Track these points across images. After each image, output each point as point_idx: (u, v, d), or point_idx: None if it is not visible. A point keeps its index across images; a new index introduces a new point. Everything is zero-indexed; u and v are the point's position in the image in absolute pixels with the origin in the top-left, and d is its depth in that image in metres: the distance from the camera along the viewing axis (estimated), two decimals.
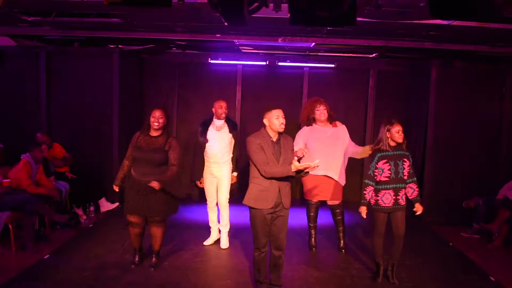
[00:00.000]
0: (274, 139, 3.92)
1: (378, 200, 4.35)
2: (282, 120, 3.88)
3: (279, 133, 3.94)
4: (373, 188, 4.36)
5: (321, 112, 5.18)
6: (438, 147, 6.87)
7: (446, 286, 4.55)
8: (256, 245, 4.00)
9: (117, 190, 4.72)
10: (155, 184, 4.31)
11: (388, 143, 4.35)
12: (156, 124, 4.51)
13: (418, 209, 4.40)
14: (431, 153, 6.91)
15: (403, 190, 4.35)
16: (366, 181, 4.40)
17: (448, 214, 6.77)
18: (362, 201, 4.39)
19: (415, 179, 4.44)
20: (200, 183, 5.36)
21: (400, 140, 4.32)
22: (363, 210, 4.37)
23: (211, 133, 5.26)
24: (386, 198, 4.33)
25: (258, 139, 3.88)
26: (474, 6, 2.74)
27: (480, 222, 6.08)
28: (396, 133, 4.31)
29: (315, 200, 5.29)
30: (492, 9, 2.75)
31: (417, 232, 6.22)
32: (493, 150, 6.94)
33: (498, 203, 5.99)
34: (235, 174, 5.39)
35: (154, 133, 4.57)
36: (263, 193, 3.87)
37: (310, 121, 5.25)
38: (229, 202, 5.38)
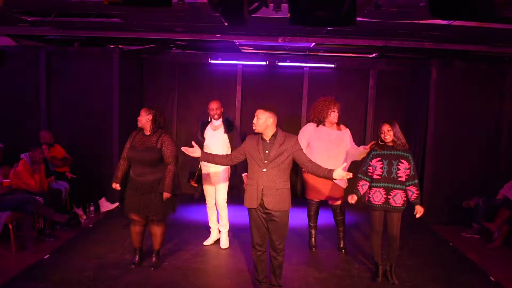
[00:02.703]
0: (267, 139, 3.92)
1: (370, 197, 4.40)
2: (254, 121, 3.92)
3: (275, 132, 3.92)
4: (366, 182, 4.41)
5: (335, 114, 5.16)
6: (438, 147, 6.87)
7: (446, 286, 4.55)
8: (252, 243, 4.07)
9: (118, 188, 4.66)
10: (166, 196, 4.46)
11: (379, 142, 4.39)
12: (139, 123, 4.55)
13: (418, 211, 4.33)
14: (431, 153, 6.91)
15: (396, 190, 4.32)
16: (359, 175, 4.46)
17: (448, 214, 6.77)
18: (354, 190, 4.43)
19: (416, 181, 4.36)
20: (193, 180, 5.35)
21: (386, 140, 4.33)
22: (352, 197, 4.37)
23: (208, 132, 5.27)
24: (376, 196, 4.35)
25: (251, 139, 3.98)
26: (474, 6, 2.74)
27: (480, 222, 6.08)
28: (381, 134, 4.36)
29: (316, 199, 5.29)
30: (492, 9, 2.75)
31: (417, 232, 6.23)
32: (493, 150, 6.94)
33: (498, 203, 6.00)
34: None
35: (147, 132, 4.58)
36: (249, 192, 3.95)
37: (320, 122, 5.22)
38: (228, 203, 5.37)
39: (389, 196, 4.32)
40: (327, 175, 3.85)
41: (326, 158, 5.11)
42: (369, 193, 4.40)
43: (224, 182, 5.28)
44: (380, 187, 4.34)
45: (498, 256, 5.50)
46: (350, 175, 3.82)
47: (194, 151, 4.07)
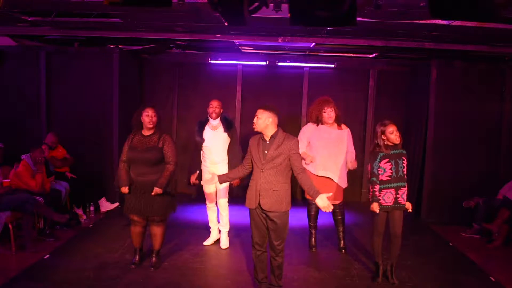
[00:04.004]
0: (267, 139, 3.91)
1: (379, 199, 4.35)
2: (254, 120, 3.95)
3: (275, 133, 3.90)
4: (379, 185, 4.36)
5: (328, 114, 5.15)
6: (438, 147, 6.86)
7: (446, 286, 4.55)
8: (252, 242, 4.07)
9: (126, 191, 4.55)
10: (157, 191, 4.41)
11: (386, 145, 4.35)
12: (150, 123, 4.50)
13: (408, 206, 4.37)
14: (431, 153, 6.91)
15: (403, 188, 4.35)
16: (374, 179, 4.37)
17: (448, 214, 6.77)
18: (374, 198, 4.34)
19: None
20: (195, 179, 5.33)
21: (396, 141, 4.31)
22: (376, 207, 4.31)
23: (207, 132, 5.26)
24: (388, 197, 4.33)
25: (253, 140, 3.99)
26: (474, 6, 2.74)
27: (480, 222, 6.08)
28: (390, 134, 4.30)
29: None
30: (492, 9, 2.75)
31: (417, 232, 6.22)
32: (493, 150, 6.94)
33: (498, 203, 6.00)
34: None
35: (147, 132, 4.56)
36: (249, 192, 3.96)
37: (318, 122, 5.23)
38: (229, 202, 5.37)
39: (398, 195, 4.33)
40: (312, 195, 3.84)
41: (326, 157, 5.11)
42: (379, 196, 4.35)
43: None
44: (391, 187, 4.32)
45: (498, 256, 5.50)
46: (331, 208, 3.79)
47: (212, 179, 4.15)
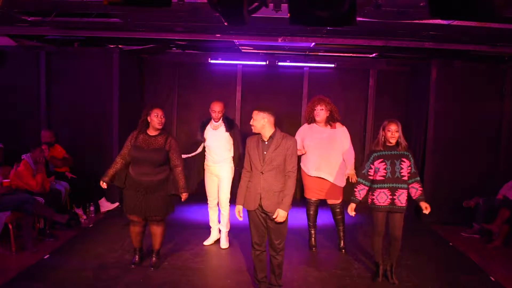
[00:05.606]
0: (265, 139, 3.92)
1: (374, 199, 4.36)
2: (251, 122, 3.96)
3: (273, 134, 3.90)
4: (364, 187, 4.38)
5: (317, 112, 5.15)
6: (438, 147, 6.87)
7: (446, 286, 4.55)
8: (251, 242, 4.09)
9: (105, 186, 4.55)
10: (185, 196, 4.56)
11: (383, 143, 4.34)
12: (160, 124, 4.49)
13: (425, 207, 4.34)
14: (431, 153, 6.91)
15: (401, 190, 4.31)
16: (359, 179, 4.43)
17: (448, 214, 6.77)
18: (352, 198, 4.43)
19: (418, 178, 4.38)
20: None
21: (391, 141, 4.29)
22: (351, 207, 4.41)
23: (208, 132, 5.26)
24: (381, 197, 4.32)
25: (251, 141, 3.99)
26: (474, 6, 2.74)
27: (480, 222, 6.08)
28: (388, 132, 4.29)
29: (314, 198, 5.29)
30: (492, 9, 2.75)
31: (417, 232, 6.22)
32: (493, 150, 6.94)
33: (498, 203, 6.00)
34: None
35: (153, 133, 4.55)
36: (248, 194, 3.96)
37: (310, 120, 5.25)
38: (230, 202, 5.37)
39: (394, 197, 4.31)
40: (282, 204, 3.86)
41: (318, 157, 5.11)
42: (373, 195, 4.36)
43: (228, 181, 5.28)
44: (385, 188, 4.31)
45: (498, 256, 5.51)
46: (281, 219, 3.85)
47: (239, 211, 4.06)
